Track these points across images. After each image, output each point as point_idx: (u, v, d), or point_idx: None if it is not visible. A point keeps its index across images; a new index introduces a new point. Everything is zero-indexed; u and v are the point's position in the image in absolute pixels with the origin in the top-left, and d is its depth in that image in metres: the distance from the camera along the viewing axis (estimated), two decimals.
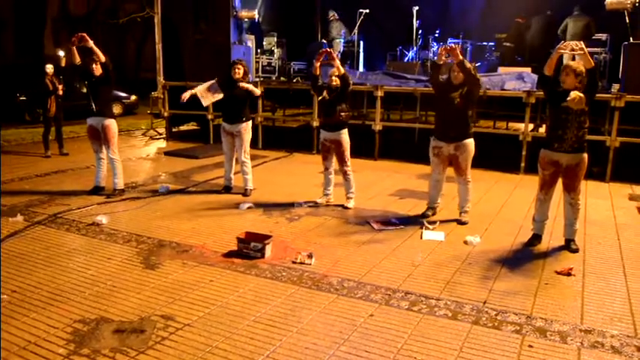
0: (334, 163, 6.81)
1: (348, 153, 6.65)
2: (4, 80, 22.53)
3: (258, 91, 7.17)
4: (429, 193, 6.44)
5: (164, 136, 13.11)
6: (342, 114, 6.49)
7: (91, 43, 6.73)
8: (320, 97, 6.55)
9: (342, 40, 13.75)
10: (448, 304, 3.97)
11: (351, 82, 6.64)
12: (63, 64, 7.11)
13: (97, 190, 7.32)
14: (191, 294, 4.12)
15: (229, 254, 4.97)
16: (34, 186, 7.84)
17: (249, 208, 6.61)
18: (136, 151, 11.24)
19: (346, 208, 6.65)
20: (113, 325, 3.62)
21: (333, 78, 6.43)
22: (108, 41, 30.81)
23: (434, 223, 6.02)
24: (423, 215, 6.30)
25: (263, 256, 4.84)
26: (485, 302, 4.02)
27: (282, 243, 5.26)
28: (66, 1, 30.90)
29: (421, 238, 5.58)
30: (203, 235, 5.54)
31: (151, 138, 13.21)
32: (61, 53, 6.92)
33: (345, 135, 6.61)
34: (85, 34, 6.71)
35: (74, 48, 6.82)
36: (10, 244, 5.31)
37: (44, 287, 4.28)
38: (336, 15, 13.94)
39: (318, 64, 6.62)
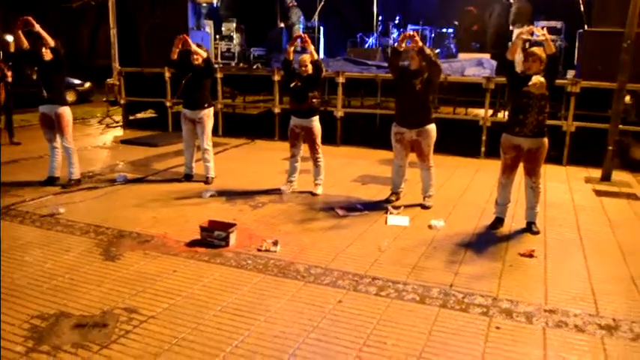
0: (302, 151, 6.74)
1: (319, 140, 6.59)
2: None
3: (204, 53, 6.97)
4: (392, 178, 6.45)
5: (121, 124, 12.75)
6: (314, 100, 6.42)
7: (37, 27, 6.43)
8: (292, 84, 6.43)
9: (302, 27, 13.62)
10: (415, 289, 3.98)
11: (324, 68, 6.58)
12: (12, 49, 6.77)
13: (51, 181, 7.05)
14: (154, 285, 4.01)
15: (192, 243, 4.86)
16: None
17: (211, 196, 6.49)
18: (92, 140, 10.91)
19: (314, 194, 6.60)
20: (73, 320, 3.49)
21: (307, 64, 6.34)
22: (61, 26, 29.77)
23: (398, 208, 6.04)
24: (387, 200, 6.31)
25: (227, 244, 4.75)
26: (451, 285, 4.05)
27: (246, 231, 5.18)
28: None
29: (386, 223, 5.58)
30: (165, 225, 5.41)
31: (107, 126, 12.85)
32: (9, 38, 6.60)
33: (316, 122, 6.55)
34: (30, 18, 6.39)
35: (20, 32, 6.47)
36: None
37: None
38: (294, 1, 13.78)
39: (292, 48, 6.55)
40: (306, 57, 6.46)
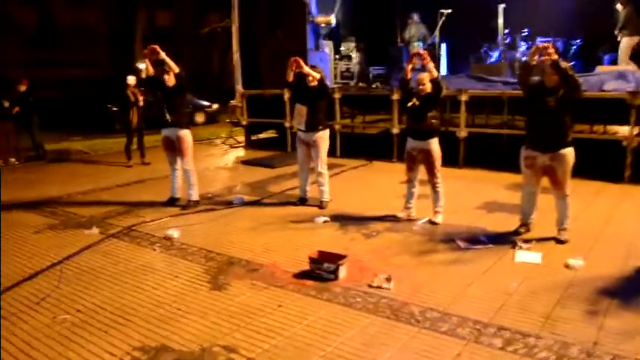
0: (419, 175, 6.31)
1: (438, 163, 6.11)
2: (99, 92, 23.67)
3: (317, 75, 6.78)
4: (521, 206, 5.80)
5: (243, 144, 13.08)
6: (433, 121, 5.99)
7: (162, 54, 6.65)
8: (410, 104, 6.06)
9: (422, 44, 13.13)
10: (550, 345, 3.39)
11: (445, 87, 6.14)
12: (144, 75, 7.10)
13: (172, 202, 7.25)
14: (257, 321, 3.79)
15: (301, 275, 4.61)
16: (114, 196, 7.89)
17: (324, 222, 6.25)
18: (215, 160, 11.22)
19: (434, 223, 6.11)
20: (173, 355, 3.36)
21: (425, 82, 5.95)
22: (193, 52, 31.76)
23: (528, 242, 5.37)
24: (516, 232, 5.66)
25: (336, 277, 4.45)
26: (595, 343, 3.40)
27: (357, 263, 4.84)
28: (153, 15, 32.18)
29: (514, 259, 4.97)
30: (275, 253, 5.23)
31: (230, 146, 13.22)
32: (142, 66, 6.88)
33: (435, 144, 6.08)
34: (156, 47, 6.65)
35: (147, 60, 6.79)
36: (81, 259, 5.26)
37: (108, 307, 4.12)
38: (415, 17, 13.38)
39: (410, 66, 6.18)
40: (425, 75, 6.04)
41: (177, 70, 6.84)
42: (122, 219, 6.66)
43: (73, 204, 7.54)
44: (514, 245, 5.29)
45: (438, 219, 6.15)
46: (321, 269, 4.50)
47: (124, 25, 29.86)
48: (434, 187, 6.20)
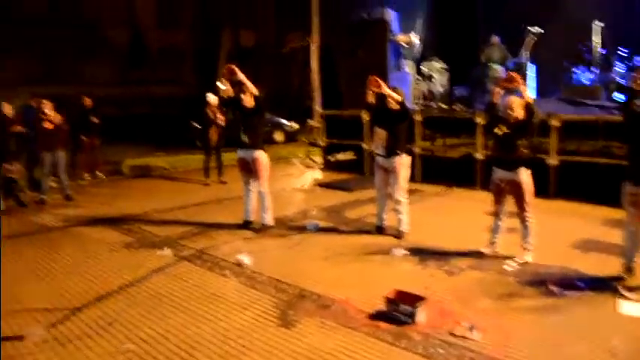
0: (507, 207, 5.81)
1: (528, 196, 5.57)
2: (183, 109, 24.47)
3: (398, 97, 6.44)
4: (624, 247, 5.16)
5: (320, 165, 12.91)
6: (524, 150, 5.49)
7: (240, 75, 6.58)
8: (498, 131, 5.59)
9: (511, 64, 12.49)
10: None
11: (538, 112, 5.64)
12: (223, 95, 7.07)
13: (246, 225, 7.12)
14: None
15: (376, 316, 4.26)
16: (189, 216, 7.88)
17: (402, 254, 5.87)
18: (291, 181, 11.08)
19: (522, 262, 5.57)
20: None
21: (516, 108, 5.48)
22: (274, 71, 32.33)
23: (633, 290, 4.76)
24: (618, 278, 5.04)
25: (414, 322, 4.07)
26: None
27: (437, 305, 4.43)
28: (237, 35, 33.08)
29: (617, 310, 4.39)
30: (348, 287, 4.91)
31: (307, 167, 13.08)
32: (222, 85, 6.86)
33: (525, 175, 5.55)
34: (234, 67, 6.60)
35: (226, 80, 6.75)
36: (151, 281, 5.19)
37: (173, 338, 3.96)
38: (495, 39, 12.79)
39: (498, 89, 5.74)
40: (515, 99, 5.56)
41: (255, 91, 6.75)
42: (195, 240, 6.59)
43: (149, 222, 7.59)
44: (616, 293, 4.69)
45: (527, 257, 5.61)
46: (398, 311, 4.14)
47: (209, 45, 30.87)
48: (523, 221, 5.67)
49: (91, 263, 5.84)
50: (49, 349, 3.86)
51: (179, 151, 16.13)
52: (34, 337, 4.03)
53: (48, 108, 8.98)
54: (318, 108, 12.55)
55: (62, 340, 3.98)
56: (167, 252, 6.11)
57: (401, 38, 11.94)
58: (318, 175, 11.96)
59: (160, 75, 32.96)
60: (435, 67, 13.56)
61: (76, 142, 11.06)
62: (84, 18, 31.15)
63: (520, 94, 5.61)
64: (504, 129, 5.54)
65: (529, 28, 12.03)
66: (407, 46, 12.50)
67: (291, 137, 19.74)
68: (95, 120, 11.31)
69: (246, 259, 5.68)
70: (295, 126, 20.12)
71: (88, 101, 11.39)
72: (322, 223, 7.29)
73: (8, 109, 8.78)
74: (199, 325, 4.19)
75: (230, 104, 7.13)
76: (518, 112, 5.48)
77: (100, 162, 11.84)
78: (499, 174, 5.71)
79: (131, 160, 13.79)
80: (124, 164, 13.24)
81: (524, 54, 12.55)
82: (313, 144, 13.34)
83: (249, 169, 7.01)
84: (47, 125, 8.83)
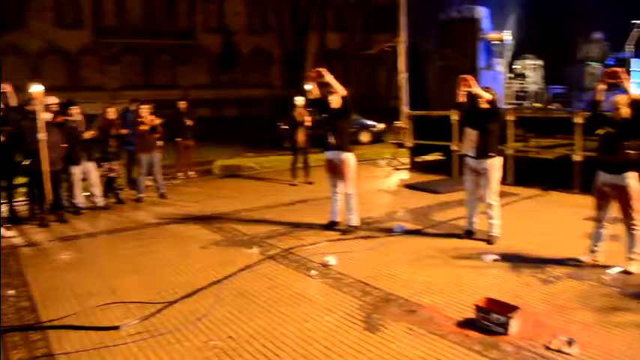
0: (610, 213, 5.40)
1: (636, 202, 5.13)
2: (272, 111, 24.99)
3: (488, 96, 6.15)
4: None
5: (407, 166, 12.71)
6: (630, 152, 5.08)
7: (328, 77, 6.59)
8: (601, 131, 5.22)
9: (610, 61, 11.68)
10: None
11: None
12: (310, 97, 7.12)
13: (331, 225, 7.12)
14: None
15: (464, 323, 4.09)
16: (277, 215, 7.99)
17: (493, 260, 5.62)
18: (378, 183, 10.98)
19: (627, 272, 5.12)
20: None
21: (622, 106, 5.09)
22: (361, 72, 32.35)
23: None
24: None
25: (506, 332, 3.85)
26: None
27: (532, 315, 4.19)
28: (324, 37, 33.41)
29: None
30: (435, 292, 4.76)
31: (394, 168, 12.92)
32: (309, 87, 6.91)
33: (633, 179, 5.12)
34: (321, 70, 6.62)
35: (314, 82, 6.78)
36: (239, 279, 5.28)
37: (259, 338, 3.99)
38: (597, 35, 11.99)
39: (601, 86, 5.37)
40: (622, 97, 5.15)
41: (342, 92, 6.73)
42: (282, 240, 6.66)
43: (238, 221, 7.77)
44: None
45: (634, 268, 5.18)
46: (489, 320, 3.95)
47: (297, 48, 31.37)
48: (630, 227, 5.24)
49: (183, 260, 6.05)
50: (141, 339, 4.01)
51: (268, 152, 16.50)
52: (128, 328, 4.21)
53: (145, 111, 9.45)
54: (405, 108, 12.34)
55: (154, 333, 4.13)
56: (255, 251, 6.22)
57: (492, 36, 11.49)
58: (404, 176, 11.78)
59: (250, 78, 34.03)
60: (529, 66, 12.97)
61: (172, 144, 11.58)
62: (179, 27, 32.75)
63: (624, 91, 5.21)
64: (609, 129, 5.16)
65: (635, 22, 11.21)
66: (499, 44, 12.03)
67: (377, 138, 19.64)
68: (189, 122, 11.77)
69: (331, 261, 5.66)
70: (380, 126, 20.01)
71: (182, 104, 11.89)
72: (409, 226, 7.14)
73: (112, 114, 9.32)
74: (285, 325, 4.20)
75: (317, 106, 7.16)
76: (624, 111, 5.08)
77: (193, 162, 12.31)
78: (603, 178, 5.31)
79: (222, 160, 14.25)
80: (215, 164, 13.71)
81: (628, 48, 11.71)
82: (400, 145, 13.15)
83: (336, 171, 7.00)
84: (143, 127, 9.30)
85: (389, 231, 6.94)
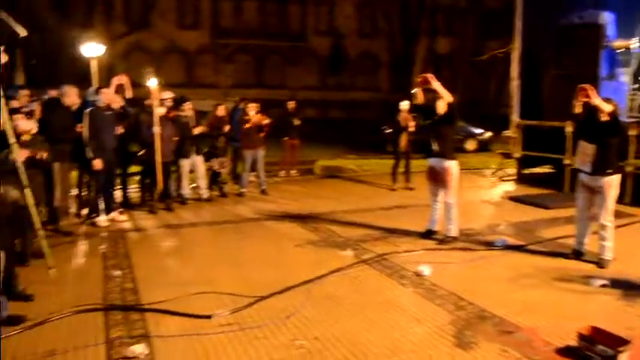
0: None
1: None
2: (376, 114, 24.94)
3: (607, 108, 5.65)
4: None
5: (513, 178, 12.13)
6: None
7: (434, 84, 6.41)
8: None
9: None
10: None
11: None
12: (415, 102, 6.99)
13: (429, 234, 6.93)
14: None
15: (565, 351, 3.79)
16: (373, 219, 7.91)
17: (602, 286, 5.18)
18: (481, 193, 10.57)
19: None
20: None
21: None
22: (471, 78, 31.42)
23: None
24: None
25: None
26: None
27: None
28: (434, 41, 32.80)
29: None
30: (534, 314, 4.46)
31: (500, 179, 12.37)
32: (416, 91, 6.78)
33: None
34: (428, 76, 6.45)
35: (419, 89, 6.63)
36: (330, 281, 5.28)
37: (345, 342, 3.95)
38: None
39: None
40: None
41: (449, 98, 6.53)
42: (377, 244, 6.59)
43: (334, 222, 7.79)
44: None
45: None
46: (594, 351, 3.62)
47: (406, 52, 31.05)
48: None
49: (278, 256, 6.16)
50: (231, 331, 4.12)
51: (369, 155, 16.47)
52: (220, 318, 4.33)
53: (252, 110, 9.74)
54: (515, 117, 11.78)
55: (243, 325, 4.22)
56: (349, 253, 6.20)
57: (618, 44, 10.65)
58: (510, 188, 11.24)
59: (357, 81, 34.21)
60: None
61: (276, 142, 11.88)
62: (291, 29, 33.63)
63: None
64: None
65: None
66: (624, 53, 11.15)
67: (483, 147, 18.95)
68: (297, 122, 12.01)
69: (426, 270, 5.50)
70: (487, 134, 19.29)
71: (291, 105, 12.17)
72: (511, 240, 6.79)
73: (221, 111, 9.72)
74: (372, 331, 4.13)
75: (422, 111, 7.02)
76: None
77: (296, 161, 12.54)
78: None
79: (323, 161, 14.40)
80: (317, 164, 13.87)
81: None
82: (507, 155, 12.57)
83: (437, 179, 6.81)
84: (249, 125, 9.59)
85: (489, 244, 6.64)
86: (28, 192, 3.78)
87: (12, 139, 3.67)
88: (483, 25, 31.10)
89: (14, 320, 4.20)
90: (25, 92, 7.60)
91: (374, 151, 17.35)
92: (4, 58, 2.31)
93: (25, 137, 4.96)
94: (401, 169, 10.73)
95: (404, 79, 28.37)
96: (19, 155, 3.74)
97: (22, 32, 9.30)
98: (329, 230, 7.33)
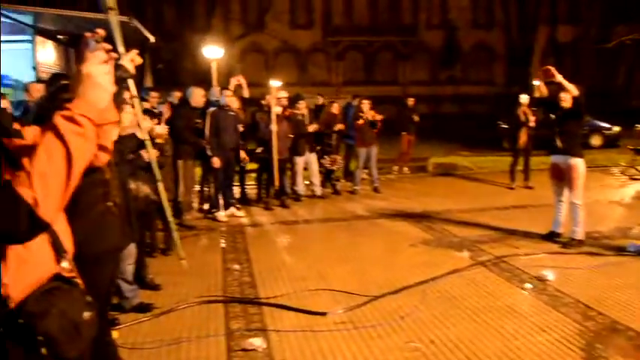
0: None
1: None
2: (491, 108, 24.03)
3: None
4: None
5: None
6: None
7: (558, 77, 6.02)
8: None
9: None
10: None
11: None
12: (537, 95, 6.62)
13: (551, 236, 6.54)
14: None
15: None
16: (490, 219, 7.61)
17: None
18: (609, 193, 9.80)
19: None
20: None
21: None
22: (596, 67, 29.24)
23: None
24: None
25: None
26: None
27: None
28: (554, 30, 30.88)
29: None
30: None
31: (630, 178, 11.41)
32: (536, 83, 6.44)
33: None
34: (550, 68, 6.07)
35: (541, 82, 6.26)
36: (446, 282, 5.14)
37: (462, 347, 3.81)
38: None
39: None
40: None
41: (574, 92, 6.11)
42: (494, 246, 6.33)
43: (449, 221, 7.59)
44: None
45: None
46: None
47: (523, 43, 29.55)
48: None
49: (391, 255, 6.11)
50: (345, 329, 4.14)
51: (485, 152, 15.89)
52: (334, 315, 4.37)
53: (366, 107, 9.73)
54: None
55: (357, 324, 4.22)
56: (465, 254, 6.02)
57: None
58: None
59: (470, 74, 33.14)
60: None
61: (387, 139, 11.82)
62: (402, 24, 33.26)
63: None
64: None
65: None
66: None
67: (610, 142, 17.51)
68: (416, 118, 11.89)
69: (550, 275, 5.19)
70: (615, 129, 17.81)
71: (411, 101, 12.11)
72: None
73: (335, 109, 9.83)
74: (491, 338, 3.95)
75: (544, 105, 6.63)
76: None
77: (409, 158, 12.40)
78: None
79: (436, 158, 14.10)
80: (429, 162, 13.60)
81: None
82: (638, 151, 11.55)
83: (561, 177, 6.40)
84: (362, 122, 9.59)
85: (620, 249, 6.12)
86: (161, 186, 4.03)
87: (146, 137, 3.93)
88: (610, 9, 28.71)
89: (144, 308, 4.53)
90: (154, 94, 8.14)
91: (489, 147, 16.69)
92: (139, 61, 2.46)
93: (159, 141, 5.31)
94: (519, 167, 10.24)
95: (521, 71, 27.02)
96: (152, 154, 4.00)
97: (151, 38, 9.98)
98: (444, 230, 7.16)
